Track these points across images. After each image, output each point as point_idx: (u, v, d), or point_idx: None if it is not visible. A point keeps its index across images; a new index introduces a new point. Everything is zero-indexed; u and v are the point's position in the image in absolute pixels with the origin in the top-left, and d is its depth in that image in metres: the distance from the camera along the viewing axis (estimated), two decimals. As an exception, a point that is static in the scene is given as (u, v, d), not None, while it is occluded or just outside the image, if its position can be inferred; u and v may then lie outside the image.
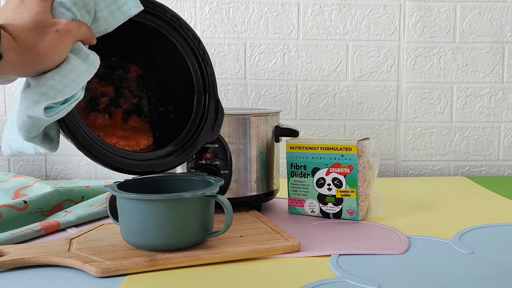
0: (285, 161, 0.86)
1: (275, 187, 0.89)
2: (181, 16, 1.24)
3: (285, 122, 0.94)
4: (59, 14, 0.57)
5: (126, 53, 0.79)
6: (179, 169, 0.83)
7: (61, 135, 0.64)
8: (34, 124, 0.56)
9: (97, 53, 0.62)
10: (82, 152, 0.64)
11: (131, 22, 0.66)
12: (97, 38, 0.63)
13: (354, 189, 0.79)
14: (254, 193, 0.84)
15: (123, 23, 0.63)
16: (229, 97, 1.26)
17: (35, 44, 0.53)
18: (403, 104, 1.29)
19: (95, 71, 0.61)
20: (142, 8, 0.64)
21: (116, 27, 0.63)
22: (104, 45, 0.66)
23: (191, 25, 1.24)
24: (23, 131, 0.57)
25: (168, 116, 0.81)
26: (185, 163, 0.81)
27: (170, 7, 0.72)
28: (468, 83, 1.29)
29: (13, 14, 0.54)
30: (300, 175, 0.84)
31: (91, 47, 0.62)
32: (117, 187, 0.65)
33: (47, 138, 0.62)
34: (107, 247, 0.64)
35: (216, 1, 1.25)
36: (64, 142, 0.66)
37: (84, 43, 0.61)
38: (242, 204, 0.84)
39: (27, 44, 0.53)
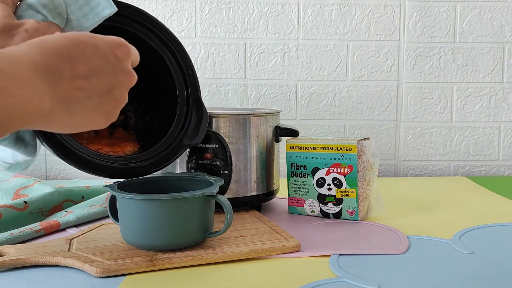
0: (285, 161, 0.86)
1: (275, 187, 0.89)
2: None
3: (285, 122, 0.94)
4: (29, 16, 0.57)
5: None
6: (179, 169, 0.83)
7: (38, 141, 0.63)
8: None
9: None
10: (55, 154, 0.63)
11: (111, 28, 0.65)
12: None
13: (354, 189, 0.79)
14: (254, 193, 0.84)
15: (103, 29, 0.62)
16: (229, 97, 1.26)
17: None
18: (403, 104, 1.29)
19: None
20: (116, 9, 0.63)
21: (91, 28, 0.62)
22: None
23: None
24: None
25: (153, 124, 0.80)
26: (186, 163, 0.81)
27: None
28: (468, 83, 1.29)
29: None
30: (300, 175, 0.84)
31: None
32: (117, 187, 0.65)
33: (21, 142, 0.61)
34: (107, 247, 0.64)
35: (216, 1, 1.25)
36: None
37: None
38: (242, 204, 0.84)
39: None
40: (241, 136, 0.82)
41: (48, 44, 0.41)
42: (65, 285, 0.56)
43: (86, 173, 1.27)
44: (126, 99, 0.49)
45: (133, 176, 0.70)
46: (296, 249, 0.66)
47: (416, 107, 1.29)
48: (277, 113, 0.89)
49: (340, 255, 0.64)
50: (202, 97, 0.79)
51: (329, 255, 0.64)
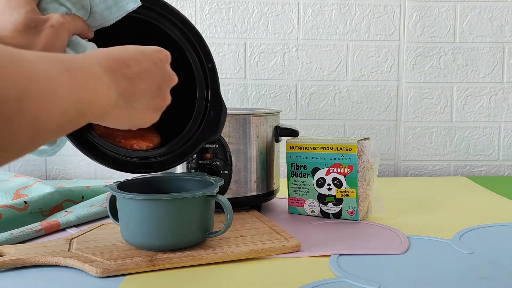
0: (285, 161, 0.86)
1: (275, 187, 0.89)
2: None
3: (285, 122, 0.94)
4: (53, 9, 0.57)
5: None
6: (179, 169, 0.83)
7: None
8: None
9: None
10: (80, 150, 0.63)
11: (132, 19, 0.65)
12: (100, 40, 0.62)
13: (354, 189, 0.79)
14: (254, 193, 0.84)
15: (124, 20, 0.63)
16: (229, 97, 1.26)
17: (30, 46, 0.52)
18: (403, 104, 1.29)
19: None
20: (139, 3, 0.62)
21: (113, 22, 0.62)
22: (107, 45, 0.65)
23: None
24: None
25: (172, 116, 0.79)
26: (185, 163, 0.81)
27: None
28: (468, 83, 1.29)
29: (1, 17, 0.52)
30: (300, 175, 0.84)
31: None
32: (117, 187, 0.65)
33: None
34: (107, 247, 0.64)
35: (216, 1, 1.25)
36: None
37: (80, 37, 0.60)
38: (242, 204, 0.84)
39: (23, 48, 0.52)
40: (241, 136, 0.82)
41: (107, 51, 0.50)
42: (65, 285, 0.56)
43: (86, 174, 1.27)
44: (170, 98, 0.56)
45: (149, 171, 0.69)
46: (296, 249, 0.66)
47: (416, 107, 1.29)
48: (277, 113, 0.89)
49: (340, 255, 0.64)
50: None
51: (329, 255, 0.64)
